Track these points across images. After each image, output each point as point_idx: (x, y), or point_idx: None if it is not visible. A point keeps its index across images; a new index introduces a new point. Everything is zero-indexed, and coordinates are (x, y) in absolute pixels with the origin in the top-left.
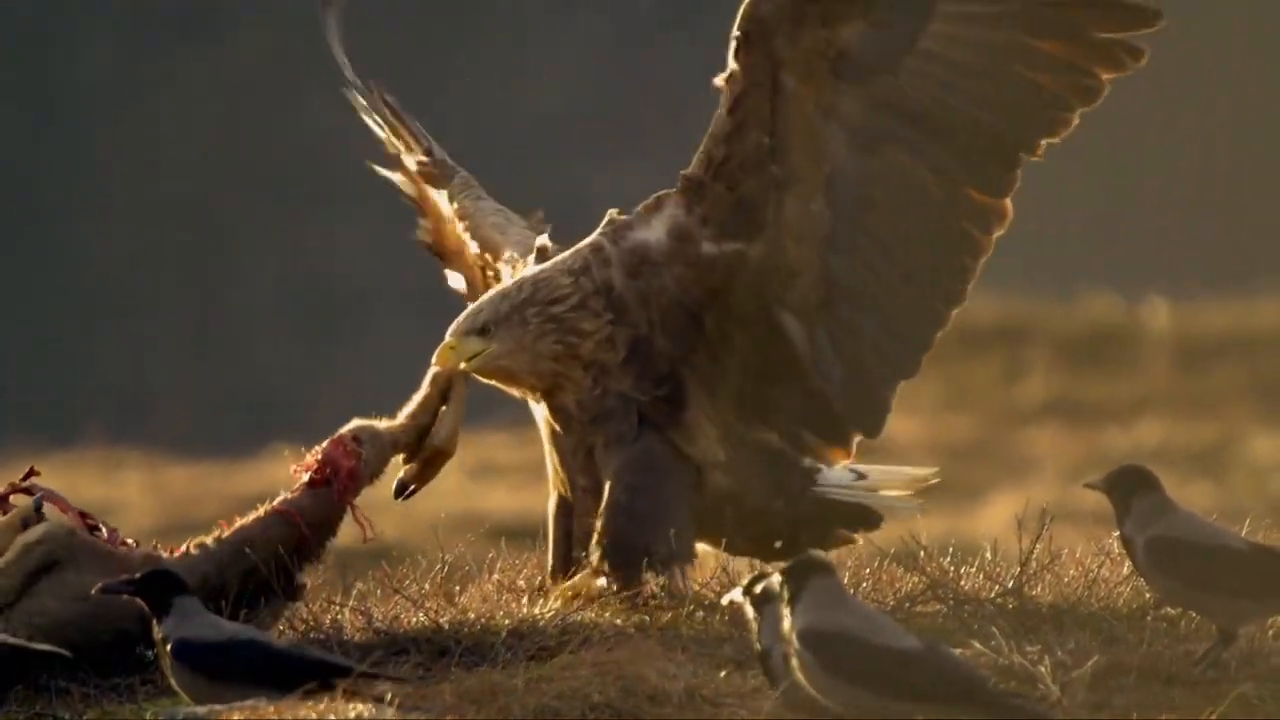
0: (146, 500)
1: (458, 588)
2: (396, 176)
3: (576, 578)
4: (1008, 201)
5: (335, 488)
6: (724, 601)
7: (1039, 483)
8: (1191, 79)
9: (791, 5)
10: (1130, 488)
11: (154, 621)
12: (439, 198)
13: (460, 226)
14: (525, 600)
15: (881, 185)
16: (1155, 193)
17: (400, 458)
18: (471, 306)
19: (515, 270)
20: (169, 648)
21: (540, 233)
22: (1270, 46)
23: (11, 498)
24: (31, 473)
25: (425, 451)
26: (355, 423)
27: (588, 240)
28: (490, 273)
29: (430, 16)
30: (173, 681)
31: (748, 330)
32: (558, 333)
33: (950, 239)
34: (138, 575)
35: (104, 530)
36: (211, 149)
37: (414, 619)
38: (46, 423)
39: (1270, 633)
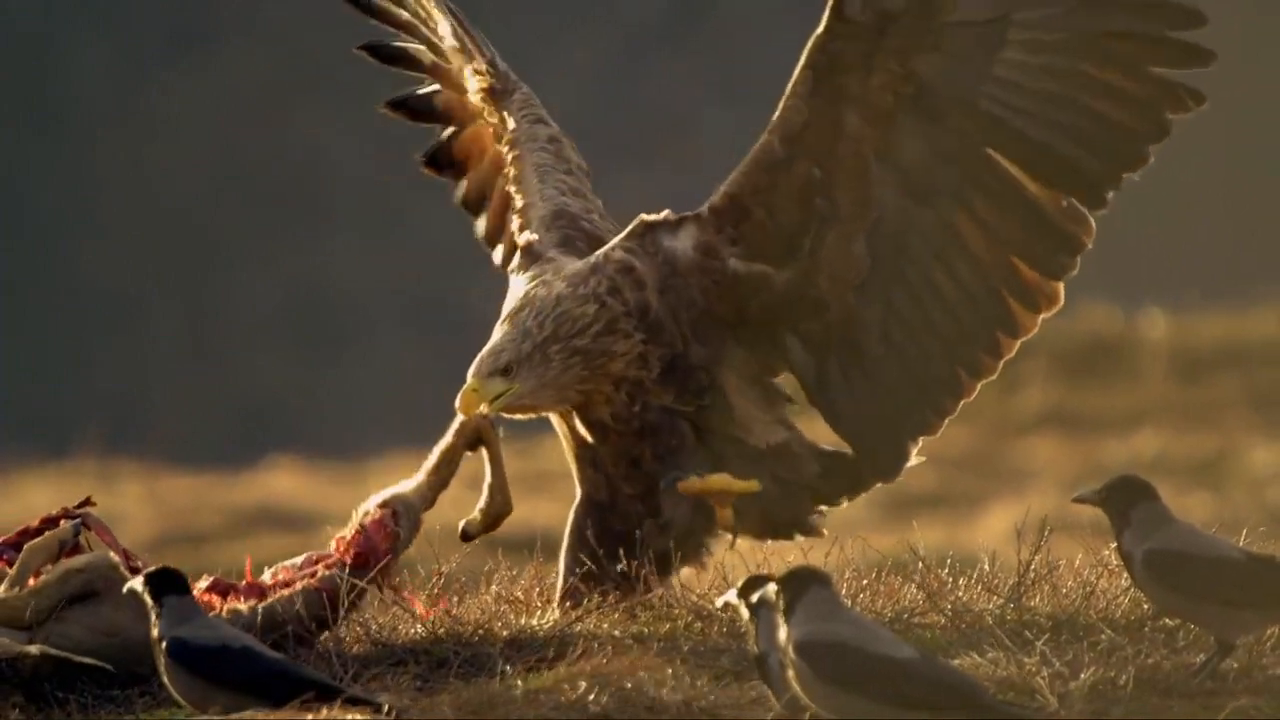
0: (144, 511)
1: (455, 598)
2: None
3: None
4: (1060, 286)
5: (372, 568)
6: (718, 604)
7: (1037, 494)
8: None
9: (866, 42)
10: (1127, 499)
11: (151, 619)
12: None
13: (506, 152)
14: (524, 611)
15: (926, 239)
16: (1152, 203)
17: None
18: (491, 345)
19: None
20: (164, 646)
21: (577, 184)
22: (1268, 57)
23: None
24: (88, 502)
25: (487, 518)
26: (389, 492)
27: (610, 254)
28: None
29: None
30: (165, 681)
31: (751, 342)
32: (584, 363)
33: (988, 309)
34: (144, 572)
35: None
36: (207, 161)
37: (412, 630)
38: (43, 433)
39: (1268, 644)
